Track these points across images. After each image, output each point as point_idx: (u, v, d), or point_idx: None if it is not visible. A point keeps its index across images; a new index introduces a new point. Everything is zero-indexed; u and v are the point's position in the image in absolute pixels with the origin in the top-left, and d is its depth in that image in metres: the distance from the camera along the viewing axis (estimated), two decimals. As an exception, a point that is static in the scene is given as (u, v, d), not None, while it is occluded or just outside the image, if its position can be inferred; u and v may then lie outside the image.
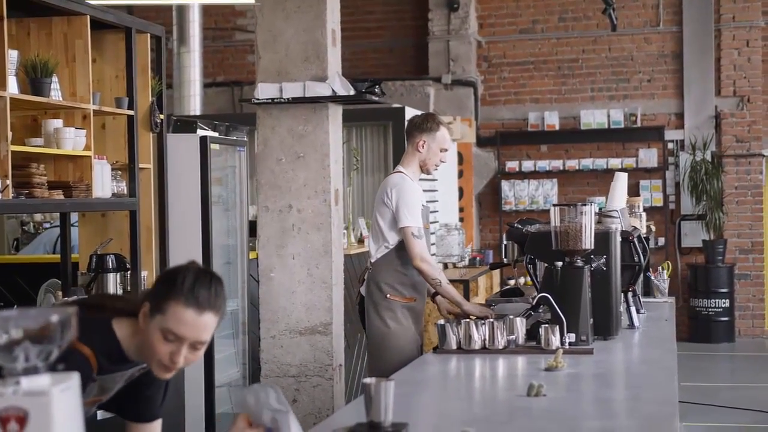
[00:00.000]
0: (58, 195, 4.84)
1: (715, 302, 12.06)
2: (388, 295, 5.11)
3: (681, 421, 7.37)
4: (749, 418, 8.17)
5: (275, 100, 5.74)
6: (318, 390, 5.68)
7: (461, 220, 11.99)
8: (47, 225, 8.78)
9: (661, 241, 12.33)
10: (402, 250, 5.10)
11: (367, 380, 2.71)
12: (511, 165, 12.74)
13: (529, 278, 11.71)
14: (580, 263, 4.36)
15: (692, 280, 12.21)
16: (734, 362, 11.39)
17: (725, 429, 7.88)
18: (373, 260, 5.21)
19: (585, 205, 4.38)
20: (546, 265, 4.50)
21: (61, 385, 1.74)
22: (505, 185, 12.71)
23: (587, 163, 12.55)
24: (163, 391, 2.87)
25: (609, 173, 12.36)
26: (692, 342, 12.03)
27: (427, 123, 5.24)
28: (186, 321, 2.50)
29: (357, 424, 2.76)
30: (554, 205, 4.41)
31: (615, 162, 12.41)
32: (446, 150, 5.27)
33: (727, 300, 12.08)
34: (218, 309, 2.55)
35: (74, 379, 1.78)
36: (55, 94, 4.85)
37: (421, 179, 9.02)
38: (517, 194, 12.73)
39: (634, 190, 12.25)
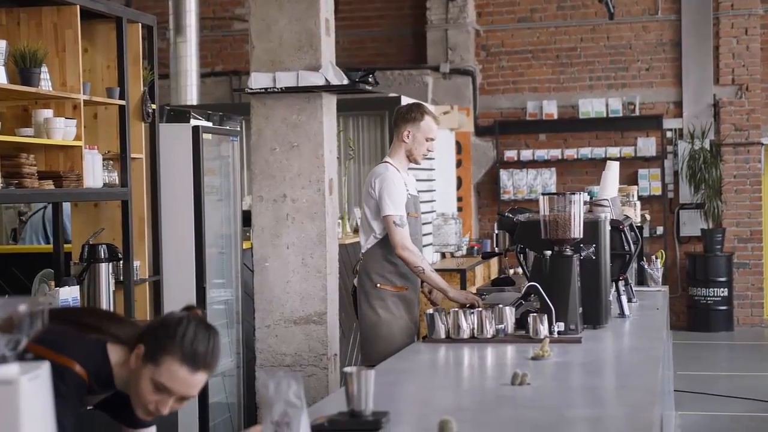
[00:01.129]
0: (49, 185, 4.84)
1: (714, 291, 12.06)
2: (378, 285, 5.13)
3: (677, 409, 7.39)
4: (747, 407, 8.18)
5: (269, 90, 5.74)
6: (313, 379, 5.69)
7: (460, 209, 12.00)
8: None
9: (660, 230, 12.33)
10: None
11: (348, 369, 2.72)
12: (510, 154, 12.73)
13: (526, 267, 11.70)
14: (569, 252, 4.36)
15: (691, 269, 12.21)
16: (733, 351, 11.39)
17: (722, 418, 7.88)
18: (363, 250, 5.23)
19: (574, 194, 4.38)
20: (535, 254, 4.50)
21: (29, 374, 1.74)
22: (503, 174, 12.71)
23: (586, 152, 12.54)
24: None
25: (607, 162, 12.33)
26: (691, 331, 12.04)
27: (411, 113, 5.22)
28: (179, 378, 2.51)
29: (338, 413, 2.77)
30: (543, 194, 4.41)
31: (613, 151, 12.39)
32: (432, 139, 5.24)
33: (726, 289, 12.07)
34: (213, 367, 2.57)
35: (44, 368, 1.79)
36: (45, 84, 4.84)
37: (419, 168, 9.05)
38: (515, 183, 12.73)
39: (632, 179, 12.25)
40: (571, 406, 3.06)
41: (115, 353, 2.60)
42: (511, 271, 11.75)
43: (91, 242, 5.37)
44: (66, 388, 2.46)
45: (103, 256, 5.31)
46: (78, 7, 5.07)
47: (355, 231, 7.94)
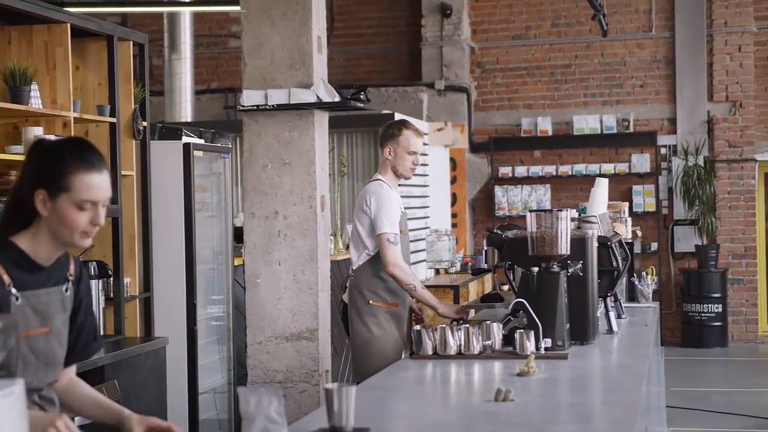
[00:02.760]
0: (39, 202, 4.85)
1: (708, 307, 12.06)
2: (370, 301, 5.18)
3: (670, 425, 7.38)
4: (741, 422, 8.18)
5: (261, 107, 5.76)
6: (304, 396, 5.69)
7: (455, 225, 12.02)
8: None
9: (654, 246, 12.34)
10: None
11: (329, 386, 2.73)
12: (505, 171, 12.76)
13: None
14: (556, 269, 4.37)
15: (685, 285, 12.22)
16: (727, 367, 11.39)
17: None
18: (354, 267, 5.28)
19: (561, 210, 4.39)
20: (523, 270, 4.51)
21: (2, 391, 1.75)
22: (498, 191, 12.73)
23: (580, 168, 12.57)
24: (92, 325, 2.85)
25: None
26: (685, 347, 12.05)
27: (389, 130, 5.32)
28: (94, 186, 2.61)
29: (319, 429, 2.78)
30: (531, 211, 4.43)
31: (608, 167, 12.42)
32: (415, 153, 5.29)
33: (720, 305, 12.08)
34: (107, 166, 2.68)
35: (18, 385, 1.80)
36: (35, 101, 4.87)
37: (413, 185, 9.03)
38: (510, 200, 12.75)
39: (626, 195, 12.27)
40: (553, 422, 3.07)
41: (19, 240, 2.64)
42: (505, 288, 11.79)
43: (81, 259, 5.38)
44: None
45: (93, 273, 5.32)
46: (69, 25, 5.10)
47: (347, 247, 7.95)
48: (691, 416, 8.39)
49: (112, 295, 5.50)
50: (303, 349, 5.69)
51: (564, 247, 4.36)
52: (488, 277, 11.01)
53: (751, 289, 12.45)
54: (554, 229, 4.35)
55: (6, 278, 2.59)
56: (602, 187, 5.45)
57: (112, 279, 5.46)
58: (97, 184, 2.62)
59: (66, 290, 2.74)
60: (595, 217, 5.06)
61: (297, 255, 5.77)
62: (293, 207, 5.81)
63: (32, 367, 2.63)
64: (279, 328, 5.70)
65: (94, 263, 5.33)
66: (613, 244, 5.01)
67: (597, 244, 4.71)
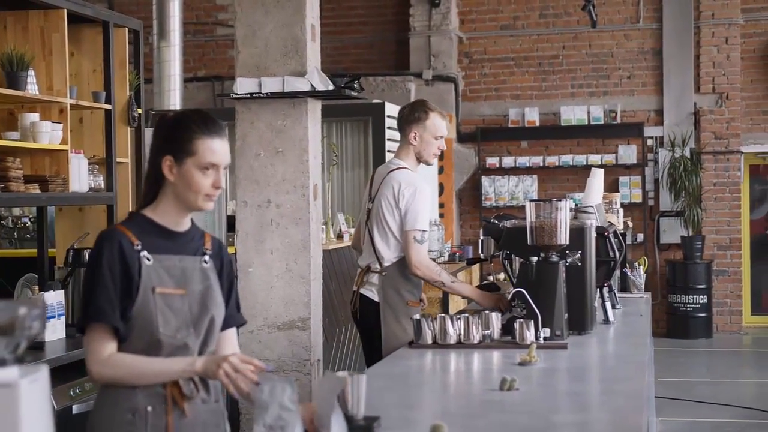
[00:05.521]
0: (35, 189, 4.82)
1: (693, 298, 12.13)
2: (408, 302, 4.96)
3: (657, 416, 7.43)
4: (726, 413, 8.23)
5: (254, 95, 5.74)
6: (296, 385, 5.68)
7: (441, 216, 12.02)
8: (26, 220, 8.75)
9: (640, 237, 12.39)
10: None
11: (340, 374, 2.73)
12: (492, 161, 12.77)
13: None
14: (555, 258, 4.38)
15: (670, 276, 12.28)
16: (712, 358, 11.45)
17: (702, 424, 7.93)
18: (386, 263, 4.98)
19: (560, 200, 4.40)
20: (521, 260, 4.52)
21: (29, 377, 1.74)
22: (485, 181, 12.74)
23: (567, 159, 12.60)
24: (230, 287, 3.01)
25: (589, 169, 12.22)
26: (670, 338, 12.11)
27: (414, 113, 5.02)
28: (216, 150, 2.82)
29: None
30: (530, 201, 4.43)
31: (595, 158, 12.46)
32: (442, 137, 5.03)
33: (705, 296, 12.15)
34: (227, 135, 2.91)
35: (42, 371, 1.79)
36: (32, 87, 4.84)
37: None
38: (497, 190, 12.77)
39: (613, 187, 12.30)
40: (559, 411, 3.08)
41: (148, 212, 2.87)
42: (491, 278, 11.80)
43: (76, 247, 5.36)
44: (103, 243, 2.78)
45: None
46: (65, 10, 5.07)
47: (339, 237, 7.95)
48: (678, 406, 8.44)
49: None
50: (295, 338, 5.69)
51: (563, 237, 4.37)
52: (476, 267, 11.03)
53: (736, 281, 12.53)
54: (553, 219, 4.35)
55: (136, 241, 2.80)
56: (598, 177, 5.46)
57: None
58: (219, 148, 2.83)
59: (204, 262, 2.92)
60: (592, 207, 5.07)
61: (290, 244, 5.76)
62: (286, 195, 5.80)
63: (173, 324, 2.81)
64: (271, 317, 5.69)
65: (89, 251, 5.30)
66: (609, 235, 5.03)
67: (595, 235, 4.73)
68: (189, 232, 2.93)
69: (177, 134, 2.83)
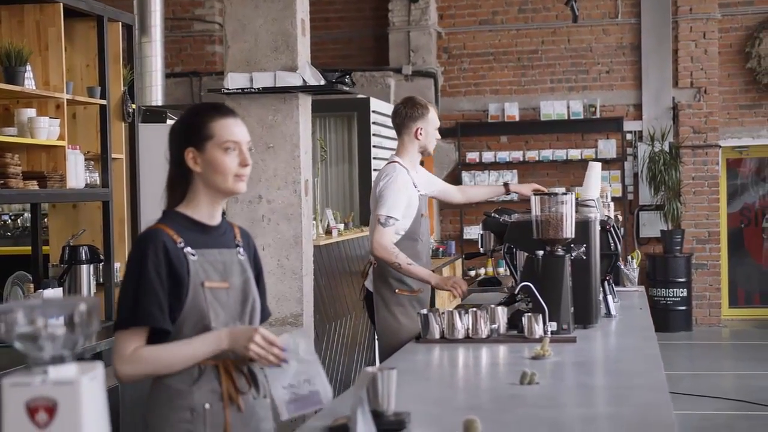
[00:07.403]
0: (33, 185, 4.76)
1: (673, 291, 12.20)
2: (396, 290, 5.07)
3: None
4: (708, 405, 8.29)
5: (245, 90, 5.70)
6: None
7: (422, 211, 11.99)
8: (6, 217, 8.66)
9: (621, 231, 12.43)
10: (405, 243, 5.04)
11: (370, 369, 2.70)
12: (472, 156, 12.78)
13: (492, 268, 11.74)
14: (560, 252, 4.38)
15: (650, 270, 12.34)
16: (692, 350, 11.53)
17: (684, 417, 7.97)
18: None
19: (566, 194, 4.40)
20: (527, 254, 4.51)
21: (89, 374, 1.72)
22: (465, 176, 12.75)
23: (547, 153, 12.62)
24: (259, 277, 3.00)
25: (568, 164, 12.47)
26: (651, 331, 12.15)
27: (417, 110, 5.21)
28: (232, 127, 2.83)
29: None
30: (535, 194, 4.42)
31: (575, 153, 12.49)
32: (437, 127, 5.33)
33: (685, 289, 12.22)
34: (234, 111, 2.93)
35: (99, 368, 1.76)
36: (29, 82, 4.77)
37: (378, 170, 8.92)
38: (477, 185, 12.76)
39: (593, 181, 12.33)
40: (585, 404, 3.07)
41: (182, 208, 2.85)
42: (472, 273, 11.81)
43: (71, 244, 5.30)
44: (146, 241, 2.78)
45: (84, 257, 5.24)
46: (61, 5, 5.00)
47: (328, 232, 7.92)
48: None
49: (101, 280, 5.41)
50: (287, 334, 5.66)
51: (569, 231, 4.36)
52: (458, 262, 11.04)
53: (715, 274, 12.61)
54: (559, 212, 4.35)
55: (178, 239, 2.79)
56: (596, 170, 5.46)
57: (102, 264, 5.37)
58: (234, 125, 2.83)
59: (240, 254, 2.91)
60: (593, 200, 5.08)
61: (281, 240, 5.73)
62: (277, 191, 5.77)
63: (222, 318, 2.80)
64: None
65: (85, 248, 5.25)
66: (611, 227, 5.03)
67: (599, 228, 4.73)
68: (221, 226, 2.92)
69: (191, 125, 2.84)
